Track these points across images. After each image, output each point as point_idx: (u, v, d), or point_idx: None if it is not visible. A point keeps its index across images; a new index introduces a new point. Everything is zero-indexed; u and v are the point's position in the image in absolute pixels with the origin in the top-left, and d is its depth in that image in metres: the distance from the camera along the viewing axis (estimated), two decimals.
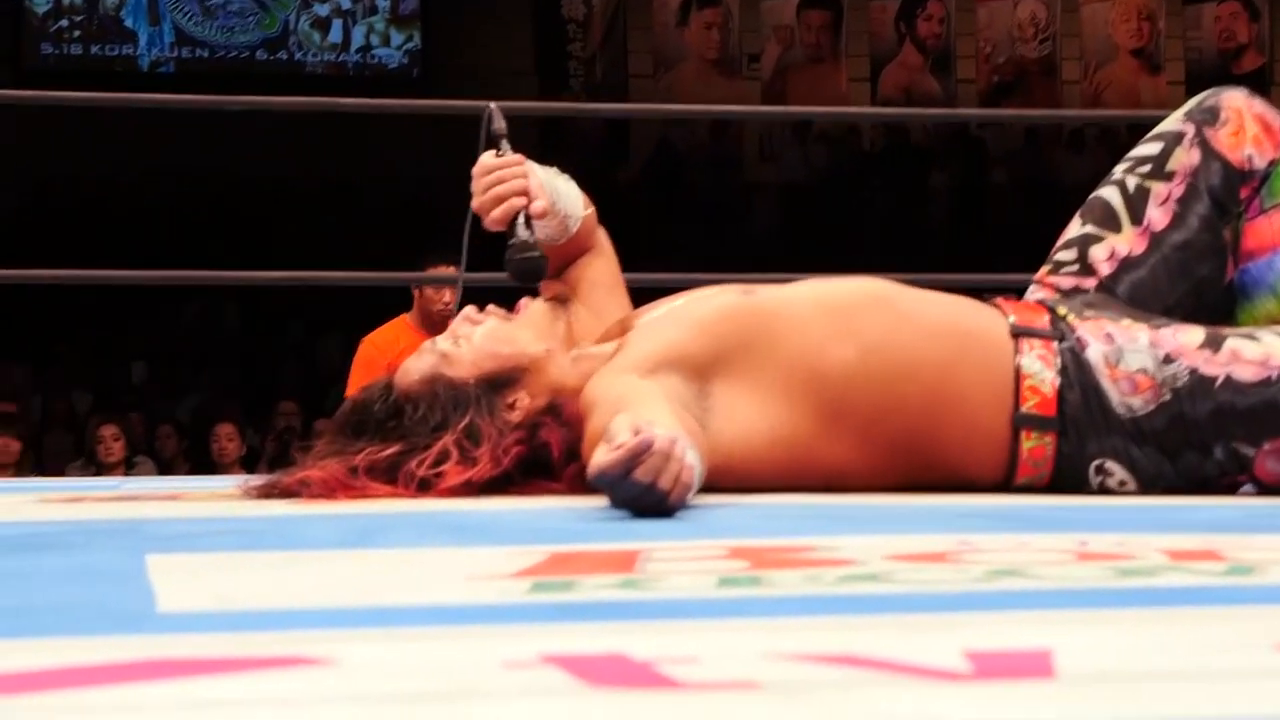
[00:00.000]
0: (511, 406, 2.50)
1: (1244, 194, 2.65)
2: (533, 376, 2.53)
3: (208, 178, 14.12)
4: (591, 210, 2.80)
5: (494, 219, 2.65)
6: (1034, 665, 1.04)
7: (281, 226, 13.55)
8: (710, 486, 2.30)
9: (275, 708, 0.96)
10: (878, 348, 2.48)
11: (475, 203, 2.66)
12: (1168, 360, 2.48)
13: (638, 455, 1.99)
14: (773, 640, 1.16)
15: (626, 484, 2.01)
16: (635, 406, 2.21)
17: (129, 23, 15.22)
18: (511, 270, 2.64)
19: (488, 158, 2.69)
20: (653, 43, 16.13)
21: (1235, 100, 2.71)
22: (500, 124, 2.77)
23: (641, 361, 2.44)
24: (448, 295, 5.41)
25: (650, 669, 1.04)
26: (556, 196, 2.70)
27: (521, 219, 2.63)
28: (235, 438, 8.65)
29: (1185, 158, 2.66)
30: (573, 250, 2.79)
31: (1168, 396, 2.47)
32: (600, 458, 2.03)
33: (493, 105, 2.83)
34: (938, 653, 1.08)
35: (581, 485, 2.39)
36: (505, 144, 2.73)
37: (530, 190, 2.65)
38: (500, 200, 2.64)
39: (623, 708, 0.95)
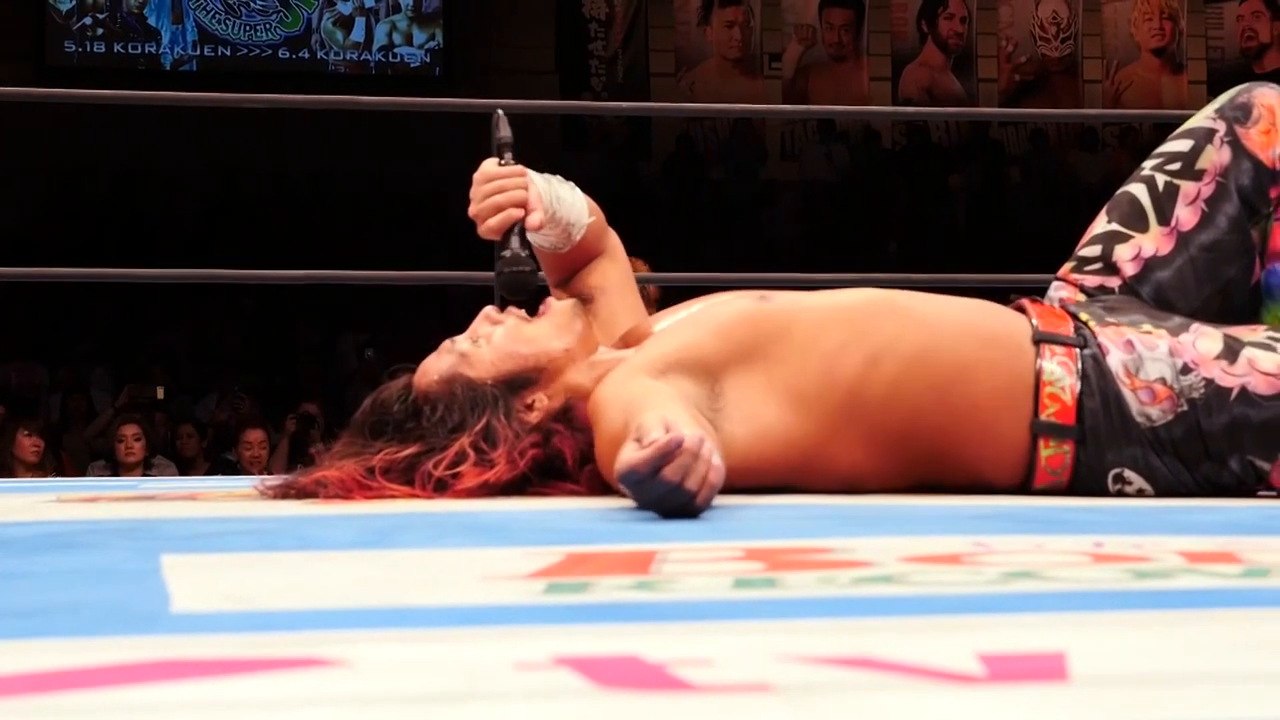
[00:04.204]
0: (530, 407, 2.49)
1: (1274, 194, 2.63)
2: (551, 377, 2.53)
3: (230, 175, 14.15)
4: (598, 216, 2.78)
5: (489, 228, 2.62)
6: (1048, 668, 1.04)
7: (298, 224, 13.56)
8: (722, 487, 2.29)
9: (289, 709, 0.96)
10: (890, 354, 2.47)
11: (472, 209, 2.63)
12: (1185, 370, 2.47)
13: (668, 454, 1.98)
14: (786, 642, 1.15)
15: (654, 483, 2.00)
16: (652, 407, 2.20)
17: (152, 21, 15.26)
18: (501, 283, 2.63)
19: (489, 165, 2.67)
20: (674, 41, 16.14)
21: (1267, 97, 2.67)
22: (505, 132, 2.74)
23: (654, 362, 2.44)
24: None
25: (663, 671, 1.03)
26: (558, 204, 2.69)
27: (516, 231, 2.62)
28: (266, 446, 8.65)
29: (1215, 156, 2.64)
30: (579, 257, 2.79)
31: (1185, 407, 2.46)
32: (629, 454, 2.01)
33: (499, 112, 2.81)
34: (951, 655, 1.07)
35: (600, 486, 2.39)
36: (509, 153, 2.70)
37: (529, 202, 2.63)
38: (498, 209, 2.62)
39: (634, 710, 0.94)
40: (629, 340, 2.62)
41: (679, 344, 2.47)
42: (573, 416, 2.47)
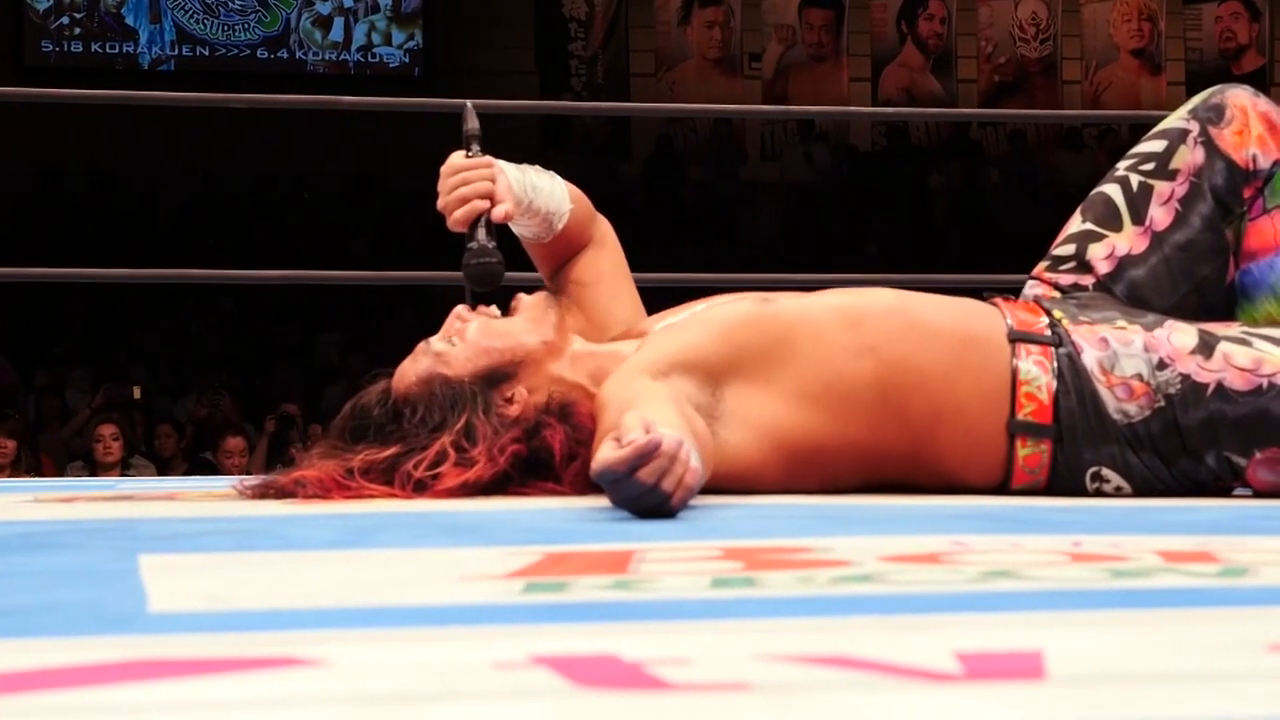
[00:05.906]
0: (509, 401, 2.49)
1: (1247, 194, 2.64)
2: (529, 369, 2.52)
3: (208, 175, 14.13)
4: (580, 205, 2.76)
5: (455, 220, 2.62)
6: (1025, 666, 1.04)
7: (277, 225, 13.55)
8: (713, 489, 2.29)
9: (266, 709, 0.96)
10: (891, 360, 2.47)
11: (440, 203, 2.63)
12: (1162, 366, 2.47)
13: (645, 454, 1.98)
14: (764, 641, 1.16)
15: (630, 483, 2.00)
16: (643, 407, 2.20)
17: (130, 20, 15.22)
18: (467, 275, 2.62)
19: (456, 158, 2.67)
20: (654, 42, 16.13)
21: (1240, 98, 2.68)
22: (473, 124, 2.73)
23: (657, 362, 2.43)
24: None
25: (640, 670, 1.03)
26: (534, 194, 2.68)
27: (482, 222, 2.61)
28: (246, 454, 8.62)
29: (1189, 156, 2.65)
30: (566, 246, 2.77)
31: (1161, 403, 2.47)
32: (606, 453, 2.01)
33: (468, 104, 2.80)
34: (928, 654, 1.07)
35: (584, 485, 2.38)
36: (476, 145, 2.69)
37: (496, 193, 2.62)
38: (464, 202, 2.61)
39: (611, 709, 0.94)
40: (629, 336, 2.61)
41: (683, 344, 2.47)
42: (571, 412, 2.46)
